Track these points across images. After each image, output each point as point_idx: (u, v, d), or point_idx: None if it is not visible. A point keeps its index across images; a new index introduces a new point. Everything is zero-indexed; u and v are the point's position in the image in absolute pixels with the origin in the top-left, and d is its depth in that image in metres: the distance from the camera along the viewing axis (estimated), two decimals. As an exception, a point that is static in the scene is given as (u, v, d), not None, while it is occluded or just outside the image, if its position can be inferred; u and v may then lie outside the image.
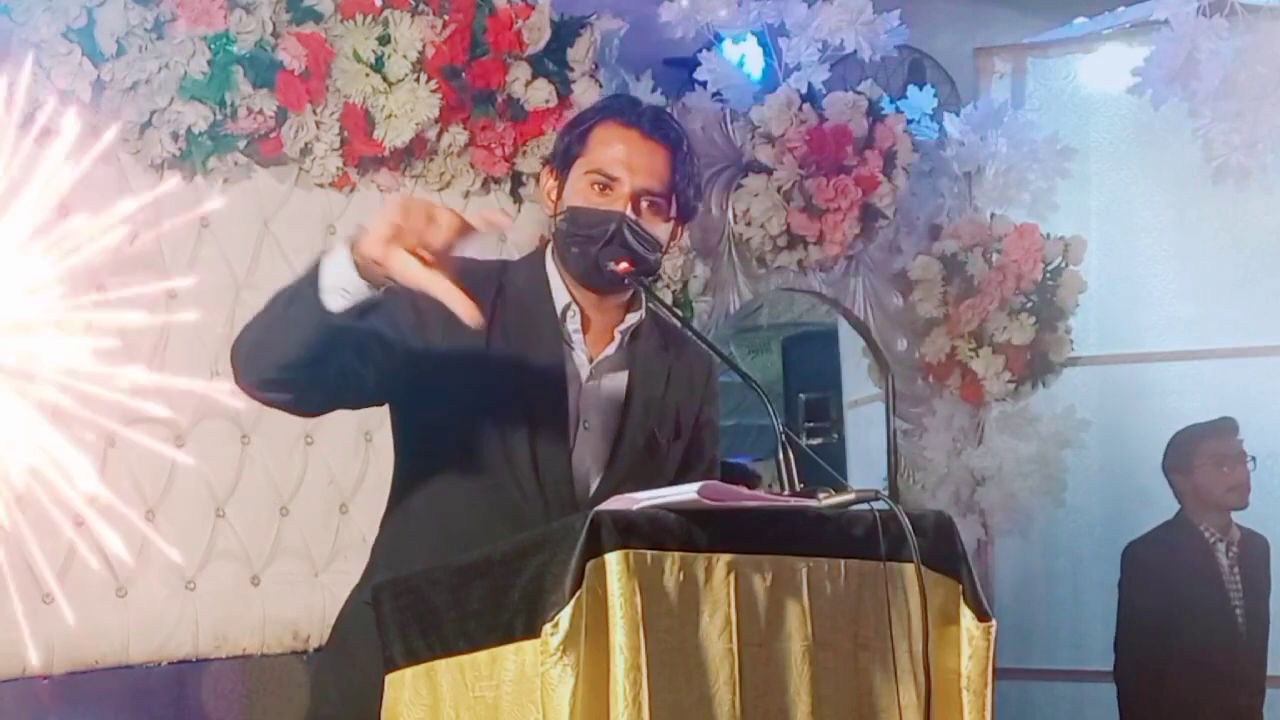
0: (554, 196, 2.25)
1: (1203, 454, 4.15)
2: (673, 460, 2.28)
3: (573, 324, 2.22)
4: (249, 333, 1.98)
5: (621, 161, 2.17)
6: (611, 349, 2.23)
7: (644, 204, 2.17)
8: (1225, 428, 4.18)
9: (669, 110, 3.96)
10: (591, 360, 2.22)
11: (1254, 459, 4.15)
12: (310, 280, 1.86)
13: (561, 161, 2.24)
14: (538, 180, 2.61)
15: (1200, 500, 4.15)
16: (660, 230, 2.20)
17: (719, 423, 2.42)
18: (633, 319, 2.25)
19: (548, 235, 2.33)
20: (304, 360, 1.91)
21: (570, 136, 2.24)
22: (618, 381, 2.24)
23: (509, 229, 1.91)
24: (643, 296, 2.26)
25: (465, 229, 1.80)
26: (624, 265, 2.16)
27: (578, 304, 2.22)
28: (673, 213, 2.22)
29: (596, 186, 2.17)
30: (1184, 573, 4.08)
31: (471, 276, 2.14)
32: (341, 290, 1.85)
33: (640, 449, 2.23)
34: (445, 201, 3.44)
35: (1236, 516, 4.19)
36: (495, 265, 2.31)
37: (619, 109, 2.25)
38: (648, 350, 2.28)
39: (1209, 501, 4.14)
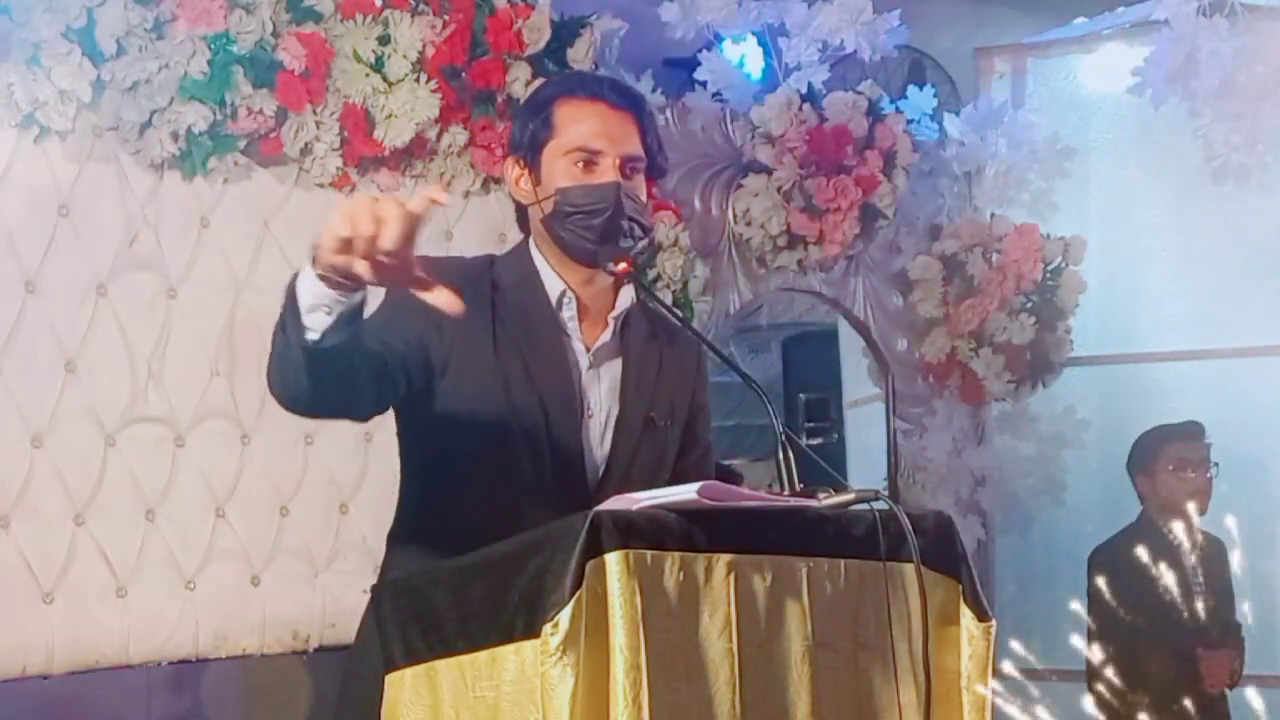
0: (527, 185, 2.25)
1: (1165, 457, 4.14)
2: (671, 444, 2.30)
3: (568, 311, 2.24)
4: (273, 367, 1.93)
5: (600, 134, 2.19)
6: (607, 336, 2.26)
7: (628, 170, 2.21)
8: (1191, 432, 4.17)
9: (669, 106, 4.03)
10: (589, 349, 2.24)
11: (1217, 464, 4.14)
12: (290, 306, 1.81)
13: (529, 149, 2.24)
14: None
15: (1161, 503, 4.15)
16: (643, 192, 2.26)
17: (709, 406, 2.45)
18: (624, 304, 2.27)
19: (523, 226, 2.33)
20: (325, 386, 1.89)
21: (534, 122, 2.24)
22: (615, 369, 2.27)
23: (446, 204, 1.88)
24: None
25: (412, 217, 1.69)
26: (623, 266, 2.18)
27: (572, 290, 2.23)
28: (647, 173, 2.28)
29: (580, 164, 2.19)
30: (1150, 575, 4.08)
31: (462, 274, 2.18)
32: (323, 307, 1.80)
33: (639, 434, 2.25)
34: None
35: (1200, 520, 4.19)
36: (483, 261, 2.33)
37: (577, 85, 2.27)
38: (639, 336, 2.31)
39: (1169, 506, 4.14)
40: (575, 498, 2.11)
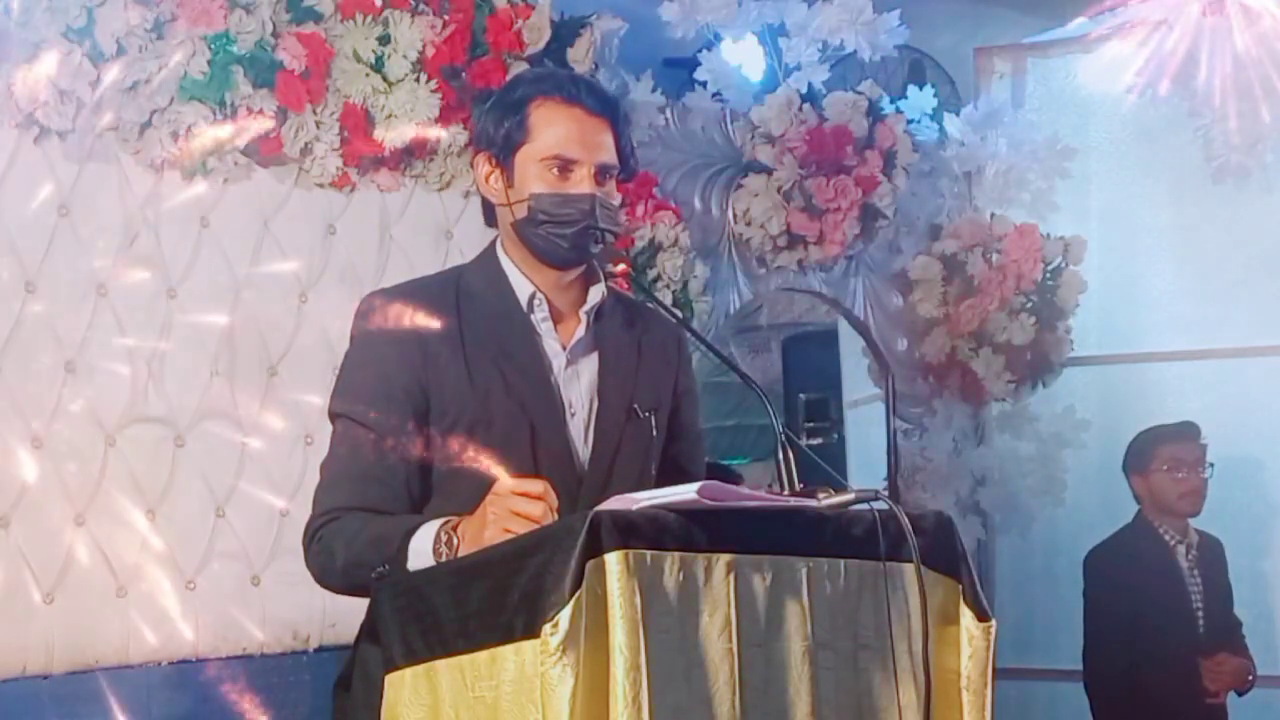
0: (498, 184, 2.23)
1: (1159, 457, 4.13)
2: (658, 432, 2.27)
3: (540, 313, 2.22)
4: (333, 559, 2.11)
5: (577, 142, 2.17)
6: (581, 332, 2.24)
7: (602, 178, 2.19)
8: (1185, 432, 4.16)
9: (669, 106, 4.03)
10: (565, 348, 2.23)
11: (1212, 465, 4.13)
12: (400, 556, 2.01)
13: (502, 148, 2.20)
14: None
15: (1155, 503, 4.14)
16: (616, 197, 2.24)
17: (698, 390, 2.44)
18: (594, 297, 2.25)
19: (488, 220, 2.31)
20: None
21: (509, 122, 2.20)
22: (593, 364, 2.25)
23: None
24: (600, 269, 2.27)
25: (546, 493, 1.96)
26: (622, 268, 2.18)
27: (542, 292, 2.22)
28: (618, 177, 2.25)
29: (555, 170, 2.17)
30: (1147, 575, 4.07)
31: (426, 301, 2.19)
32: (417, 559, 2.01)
33: (621, 426, 2.23)
34: (444, 202, 3.45)
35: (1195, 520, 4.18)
36: (451, 275, 2.31)
37: (555, 86, 2.22)
38: (615, 326, 2.29)
39: (1162, 506, 4.13)
40: (566, 498, 2.11)
